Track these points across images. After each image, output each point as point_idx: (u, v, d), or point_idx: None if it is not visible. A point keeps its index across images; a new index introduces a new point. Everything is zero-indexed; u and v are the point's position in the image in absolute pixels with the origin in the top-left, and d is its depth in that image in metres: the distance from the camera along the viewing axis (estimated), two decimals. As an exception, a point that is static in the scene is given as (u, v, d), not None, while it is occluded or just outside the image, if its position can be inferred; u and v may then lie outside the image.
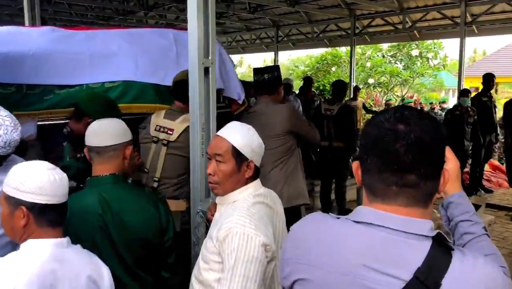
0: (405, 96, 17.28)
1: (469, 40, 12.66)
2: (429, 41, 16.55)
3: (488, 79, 7.48)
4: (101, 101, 2.77)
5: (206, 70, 2.32)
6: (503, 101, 11.21)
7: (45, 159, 1.54)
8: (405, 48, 17.41)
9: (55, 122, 3.06)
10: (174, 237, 1.91)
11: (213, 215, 1.90)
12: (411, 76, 17.61)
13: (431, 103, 14.56)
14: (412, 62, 17.74)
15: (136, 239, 1.80)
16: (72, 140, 2.79)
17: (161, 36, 3.48)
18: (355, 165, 1.08)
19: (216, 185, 1.79)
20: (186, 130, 2.73)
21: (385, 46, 17.91)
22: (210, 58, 2.32)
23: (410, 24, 9.95)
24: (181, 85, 2.83)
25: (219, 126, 1.94)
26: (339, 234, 1.04)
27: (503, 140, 8.94)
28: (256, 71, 3.47)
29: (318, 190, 6.07)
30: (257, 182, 1.83)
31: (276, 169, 3.21)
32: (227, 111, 3.47)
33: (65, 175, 1.49)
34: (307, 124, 3.50)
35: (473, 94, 8.27)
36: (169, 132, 2.87)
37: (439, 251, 0.96)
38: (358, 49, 17.24)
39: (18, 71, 2.84)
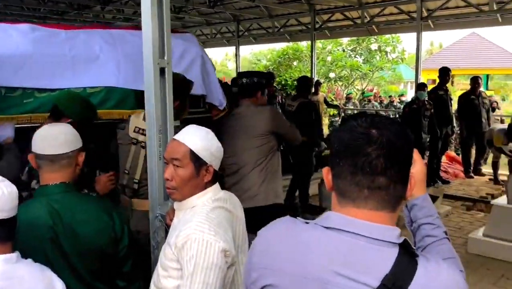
0: (365, 89, 17.61)
1: (426, 34, 12.96)
2: (388, 35, 16.89)
3: (444, 73, 7.71)
4: (80, 102, 2.71)
5: (162, 71, 2.26)
6: (459, 93, 11.58)
7: (22, 162, 1.45)
8: (365, 43, 17.73)
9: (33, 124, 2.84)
10: (129, 245, 1.84)
11: (171, 220, 1.86)
12: (371, 69, 17.96)
13: (390, 96, 14.90)
14: (372, 56, 18.09)
15: (89, 249, 1.73)
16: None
17: (142, 38, 3.35)
18: (325, 170, 1.09)
19: (174, 190, 1.75)
20: None
21: (345, 40, 18.19)
22: (165, 58, 2.25)
23: (368, 19, 10.10)
24: None
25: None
26: (308, 240, 1.03)
27: (458, 132, 9.25)
28: (239, 75, 3.67)
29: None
30: (216, 186, 1.80)
31: (257, 168, 3.29)
32: (207, 116, 3.49)
33: (14, 188, 1.41)
34: (289, 126, 3.60)
35: (430, 86, 8.52)
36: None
37: (405, 258, 0.97)
38: (319, 43, 17.41)
39: None
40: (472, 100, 7.94)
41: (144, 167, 2.76)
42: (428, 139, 7.44)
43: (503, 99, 19.12)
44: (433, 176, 7.67)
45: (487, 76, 21.73)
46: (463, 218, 6.07)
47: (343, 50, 18.51)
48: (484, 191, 7.24)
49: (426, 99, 7.32)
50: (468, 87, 8.30)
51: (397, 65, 19.42)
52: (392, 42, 17.65)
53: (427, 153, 7.89)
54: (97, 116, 2.79)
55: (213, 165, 1.76)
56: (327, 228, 1.02)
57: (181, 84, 2.94)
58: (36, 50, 2.89)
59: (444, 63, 12.22)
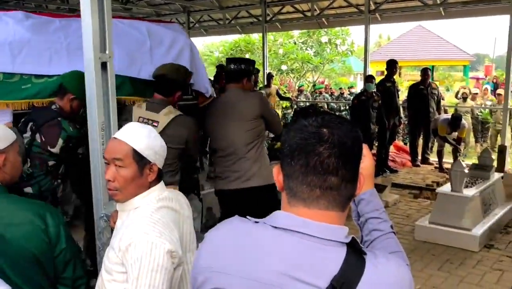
0: (317, 81, 17.84)
1: (374, 27, 13.25)
2: (337, 28, 17.15)
3: (391, 65, 7.92)
4: (83, 80, 2.76)
5: (104, 65, 2.17)
6: (407, 83, 11.93)
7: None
8: (315, 35, 17.93)
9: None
10: (68, 248, 1.76)
11: (115, 222, 1.80)
12: (322, 62, 18.19)
13: (340, 88, 15.17)
14: (322, 49, 18.33)
15: (20, 255, 1.63)
16: (64, 115, 2.91)
17: (134, 28, 3.51)
18: (275, 170, 1.07)
19: (116, 191, 1.68)
20: (171, 122, 2.90)
21: (296, 33, 18.31)
22: (107, 52, 2.17)
23: (318, 11, 10.21)
24: (161, 79, 3.01)
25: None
26: (257, 240, 1.01)
27: (406, 122, 9.55)
28: (228, 60, 3.73)
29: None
30: (161, 185, 1.75)
31: (252, 150, 3.38)
32: (194, 103, 3.60)
33: None
34: (274, 114, 3.76)
35: (379, 78, 8.72)
36: (154, 124, 2.90)
37: (354, 257, 0.97)
38: (270, 36, 17.46)
39: None
40: (421, 91, 8.21)
41: None
42: (376, 130, 7.63)
43: (447, 90, 19.91)
44: (381, 165, 7.88)
45: (432, 67, 22.50)
46: (411, 206, 6.27)
47: (295, 43, 18.66)
48: (430, 179, 7.50)
49: (374, 90, 7.48)
50: (415, 78, 8.58)
51: (347, 57, 19.79)
52: (342, 34, 17.95)
53: (376, 144, 8.09)
54: None
55: (157, 164, 1.71)
56: (276, 228, 1.00)
57: (185, 76, 3.13)
58: (33, 37, 2.98)
59: (392, 55, 12.54)
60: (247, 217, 1.08)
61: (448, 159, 8.17)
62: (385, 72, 8.03)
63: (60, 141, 2.82)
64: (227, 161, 3.37)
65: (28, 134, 2.86)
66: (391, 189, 6.64)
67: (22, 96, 2.92)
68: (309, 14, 10.37)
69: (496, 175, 5.69)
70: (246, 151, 3.36)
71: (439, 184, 6.64)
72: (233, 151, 3.36)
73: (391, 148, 8.75)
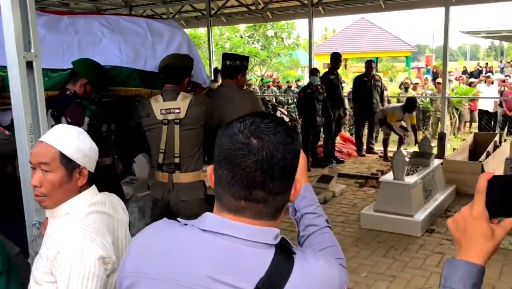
0: (264, 75, 17.92)
1: (318, 20, 13.41)
2: (283, 22, 17.27)
3: (335, 58, 8.08)
4: (93, 65, 3.12)
5: (29, 65, 2.05)
6: (353, 75, 12.19)
7: None
8: (261, 29, 17.97)
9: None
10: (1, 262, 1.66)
11: (46, 229, 1.71)
12: (269, 56, 18.28)
13: (288, 82, 15.31)
14: (269, 42, 18.41)
15: None
16: (80, 97, 3.14)
17: (135, 24, 3.74)
18: (209, 169, 1.04)
19: (43, 197, 1.60)
20: (189, 105, 3.15)
21: (242, 27, 18.28)
22: (32, 51, 2.05)
23: (262, 5, 10.22)
24: (168, 68, 3.22)
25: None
26: (184, 244, 0.98)
27: (351, 113, 9.77)
28: (224, 56, 3.99)
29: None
30: (92, 189, 1.68)
31: None
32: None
33: None
34: (264, 111, 4.11)
35: (325, 71, 8.87)
36: (176, 111, 3.16)
37: (282, 259, 0.95)
38: (216, 30, 17.33)
39: None
40: (365, 83, 8.43)
41: (181, 142, 3.16)
42: (322, 122, 7.75)
43: (391, 80, 20.53)
44: (328, 157, 8.04)
45: (376, 58, 23.16)
46: (357, 195, 6.43)
47: (241, 37, 18.64)
48: (375, 168, 7.72)
49: (319, 83, 7.59)
50: (360, 69, 8.79)
51: (294, 50, 19.99)
52: (287, 28, 18.10)
53: (323, 135, 8.23)
54: (108, 77, 3.26)
55: (88, 167, 1.64)
56: (204, 230, 0.97)
57: (188, 62, 3.35)
58: (47, 33, 3.16)
59: (337, 48, 12.76)
60: (178, 219, 1.06)
61: (393, 148, 8.44)
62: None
63: (86, 119, 3.05)
64: None
65: (52, 122, 2.95)
66: (338, 179, 6.77)
67: None
68: (253, 7, 10.36)
69: (436, 162, 5.93)
70: None
71: (383, 173, 6.83)
72: None
73: (338, 139, 8.94)
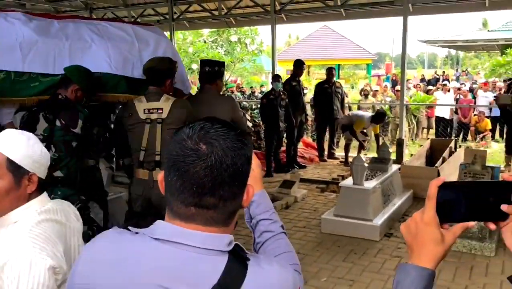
0: (228, 80, 17.92)
1: (283, 27, 13.50)
2: (246, 28, 17.35)
3: (297, 65, 8.20)
4: (84, 71, 3.23)
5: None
6: (316, 82, 12.36)
7: None
8: (225, 34, 17.98)
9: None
10: None
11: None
12: (232, 61, 18.30)
13: (251, 87, 15.38)
14: (232, 48, 18.44)
15: None
16: (71, 101, 3.22)
17: (122, 30, 3.82)
18: (160, 175, 1.02)
19: (-10, 206, 1.53)
20: (172, 106, 3.29)
21: (206, 32, 18.24)
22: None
23: (226, 10, 10.23)
24: (151, 71, 3.38)
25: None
26: (135, 253, 0.95)
27: (313, 119, 9.89)
28: (202, 63, 4.21)
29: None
30: (43, 197, 1.62)
31: None
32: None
33: None
34: (242, 116, 4.35)
35: (287, 77, 8.96)
36: (159, 111, 3.31)
37: (235, 265, 0.95)
38: (179, 34, 17.22)
39: (7, 58, 3.03)
40: (326, 89, 8.56)
41: (162, 140, 3.25)
42: (285, 128, 7.82)
43: (352, 87, 20.95)
44: (291, 162, 8.11)
45: (338, 66, 23.60)
46: (318, 200, 6.50)
47: (204, 42, 18.59)
48: (336, 173, 7.84)
49: (281, 89, 7.66)
50: (323, 76, 8.92)
51: (258, 56, 20.11)
52: (251, 34, 18.19)
53: (285, 141, 8.29)
54: (96, 84, 3.36)
55: (37, 173, 1.58)
56: (155, 239, 0.95)
57: (169, 64, 3.47)
58: (39, 38, 3.22)
59: (300, 55, 12.91)
60: (129, 227, 1.03)
61: (354, 153, 8.59)
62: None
63: (80, 122, 3.14)
64: None
65: (44, 125, 3.07)
66: (300, 184, 6.84)
67: (31, 93, 3.17)
68: (216, 13, 10.35)
69: (394, 167, 6.07)
70: None
71: (344, 178, 6.94)
72: None
73: (300, 145, 9.03)
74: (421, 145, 9.42)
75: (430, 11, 8.93)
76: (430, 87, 14.60)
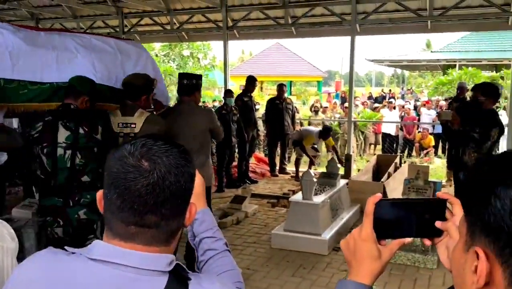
0: (180, 94, 17.79)
1: (236, 42, 13.63)
2: (199, 43, 17.37)
3: (249, 81, 8.28)
4: (89, 81, 3.28)
5: None
6: (268, 97, 12.48)
7: None
8: (177, 48, 17.92)
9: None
10: None
11: None
12: (185, 75, 18.21)
13: (204, 102, 15.33)
14: (185, 62, 18.41)
15: None
16: (84, 110, 3.24)
17: (105, 43, 3.92)
18: (99, 194, 0.98)
19: None
20: (144, 122, 3.47)
21: (157, 45, 18.10)
22: None
23: (178, 25, 10.21)
24: (128, 85, 3.54)
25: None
26: (71, 274, 0.92)
27: (264, 134, 9.98)
28: (180, 76, 4.38)
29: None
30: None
31: (202, 156, 4.12)
32: (151, 110, 3.95)
33: None
34: (219, 126, 4.59)
35: (240, 92, 9.01)
36: (132, 126, 3.48)
37: (175, 285, 0.93)
38: (131, 47, 16.96)
39: None
40: (277, 105, 8.68)
41: None
42: (237, 143, 7.84)
43: (304, 103, 21.34)
44: (242, 177, 8.13)
45: (290, 82, 24.00)
46: (269, 215, 6.52)
47: (156, 55, 18.44)
48: (287, 188, 7.91)
49: (233, 105, 7.70)
50: (275, 92, 9.03)
51: (210, 71, 20.15)
52: (204, 49, 18.23)
53: (237, 156, 8.31)
54: (102, 97, 3.54)
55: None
56: (92, 259, 0.92)
57: (146, 81, 3.59)
58: (28, 47, 3.31)
59: (253, 70, 13.05)
60: (65, 247, 0.99)
61: (304, 168, 8.71)
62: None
63: (100, 128, 3.19)
64: None
65: (65, 133, 3.11)
66: (251, 199, 6.84)
67: (20, 100, 3.27)
68: (168, 27, 10.31)
69: (342, 182, 6.21)
70: (196, 157, 3.66)
71: (294, 192, 7.01)
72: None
73: (252, 160, 9.07)
74: (368, 161, 9.69)
75: (376, 32, 9.30)
76: (377, 105, 15.11)
